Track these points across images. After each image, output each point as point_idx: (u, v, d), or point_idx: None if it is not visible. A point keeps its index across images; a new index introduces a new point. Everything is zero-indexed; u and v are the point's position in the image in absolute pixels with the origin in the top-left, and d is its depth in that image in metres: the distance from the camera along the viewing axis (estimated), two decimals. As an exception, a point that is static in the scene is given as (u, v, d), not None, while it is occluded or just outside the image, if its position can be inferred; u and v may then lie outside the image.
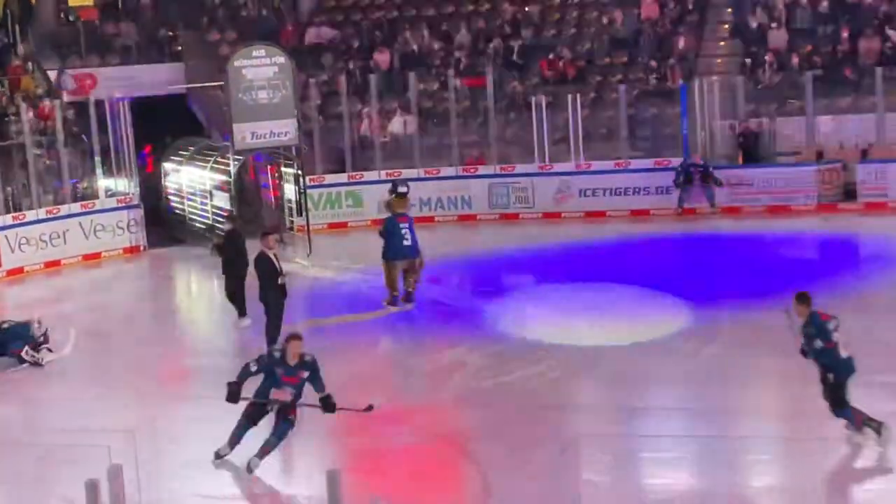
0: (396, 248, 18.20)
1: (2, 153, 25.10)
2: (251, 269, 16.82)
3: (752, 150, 25.92)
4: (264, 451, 11.81)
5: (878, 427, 11.37)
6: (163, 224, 26.45)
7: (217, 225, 24.28)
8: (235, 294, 17.93)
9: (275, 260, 16.22)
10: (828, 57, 27.03)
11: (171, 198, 26.86)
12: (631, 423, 13.06)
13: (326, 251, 23.70)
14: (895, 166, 24.19)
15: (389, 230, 18.35)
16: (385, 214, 19.00)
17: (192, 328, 19.78)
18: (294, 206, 25.03)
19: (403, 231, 18.21)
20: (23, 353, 16.36)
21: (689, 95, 25.83)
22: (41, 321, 16.68)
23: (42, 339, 16.58)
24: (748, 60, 27.53)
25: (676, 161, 25.17)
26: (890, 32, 26.54)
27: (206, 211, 25.06)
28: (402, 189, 18.93)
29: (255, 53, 23.37)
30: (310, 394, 12.18)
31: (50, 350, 16.63)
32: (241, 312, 17.90)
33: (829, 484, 11.33)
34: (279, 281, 16.11)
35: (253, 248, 17.01)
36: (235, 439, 12.01)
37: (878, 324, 15.92)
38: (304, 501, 11.43)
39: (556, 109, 26.65)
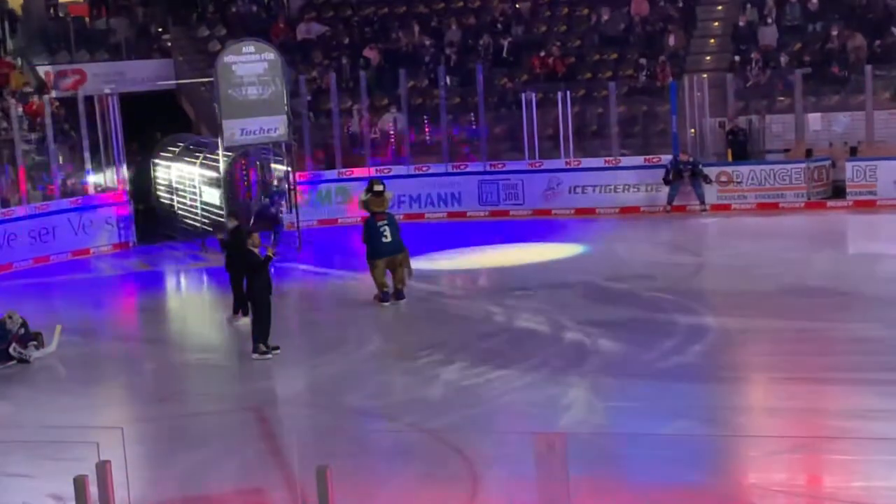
0: (376, 248, 18.18)
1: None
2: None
3: (741, 147, 25.96)
4: None
5: None
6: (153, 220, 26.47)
7: (207, 221, 24.30)
8: (238, 290, 17.95)
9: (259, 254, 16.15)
10: (817, 54, 27.09)
11: (161, 194, 26.83)
12: (619, 419, 13.09)
13: (316, 247, 23.70)
14: (884, 164, 24.26)
15: (369, 230, 18.33)
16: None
17: (181, 324, 19.75)
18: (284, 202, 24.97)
19: (382, 229, 18.15)
20: (10, 350, 16.32)
21: (679, 93, 25.86)
22: (13, 315, 16.61)
23: (22, 331, 16.52)
24: (738, 58, 27.58)
25: (666, 158, 25.18)
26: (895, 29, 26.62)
27: (196, 207, 25.02)
28: (377, 188, 18.75)
29: (244, 49, 23.33)
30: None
31: (37, 347, 16.58)
32: (244, 311, 17.87)
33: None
34: (270, 279, 16.05)
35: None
36: None
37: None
38: (293, 498, 11.42)
39: (546, 106, 26.69)
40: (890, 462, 11.21)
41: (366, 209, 18.68)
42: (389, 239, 18.14)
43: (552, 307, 17.82)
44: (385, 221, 18.23)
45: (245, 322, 17.37)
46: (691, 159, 24.91)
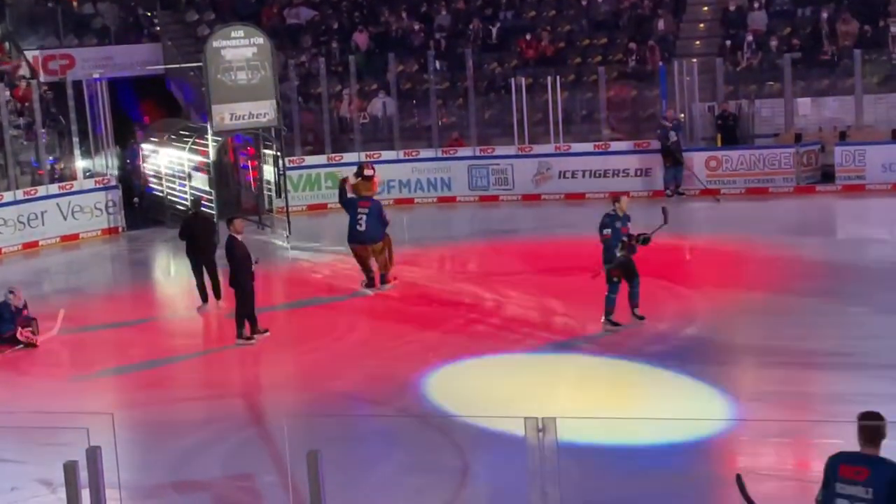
0: (349, 232, 18.22)
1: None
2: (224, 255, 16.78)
3: (730, 132, 25.96)
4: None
5: None
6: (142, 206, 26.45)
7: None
8: (196, 279, 18.04)
9: (245, 244, 16.10)
10: (807, 39, 27.10)
11: (150, 179, 26.78)
12: (609, 403, 13.12)
13: (306, 232, 23.69)
14: (873, 148, 24.30)
15: (348, 211, 18.30)
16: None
17: (170, 310, 19.71)
18: (273, 187, 24.97)
19: (359, 216, 18.04)
20: (17, 335, 16.30)
21: (669, 77, 25.85)
22: (14, 290, 16.59)
23: (24, 305, 16.51)
24: (727, 42, 27.57)
25: (656, 144, 25.13)
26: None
27: (185, 193, 24.97)
28: (367, 172, 18.67)
29: (233, 34, 23.26)
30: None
31: (33, 332, 16.52)
32: (203, 299, 17.98)
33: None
34: (251, 265, 16.00)
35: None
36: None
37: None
38: (284, 483, 11.43)
39: (536, 91, 26.66)
40: (878, 446, 11.23)
41: (354, 192, 18.61)
42: (363, 228, 18.02)
43: (542, 291, 17.84)
44: (366, 210, 18.08)
45: (206, 308, 17.66)
46: (680, 117, 24.93)
